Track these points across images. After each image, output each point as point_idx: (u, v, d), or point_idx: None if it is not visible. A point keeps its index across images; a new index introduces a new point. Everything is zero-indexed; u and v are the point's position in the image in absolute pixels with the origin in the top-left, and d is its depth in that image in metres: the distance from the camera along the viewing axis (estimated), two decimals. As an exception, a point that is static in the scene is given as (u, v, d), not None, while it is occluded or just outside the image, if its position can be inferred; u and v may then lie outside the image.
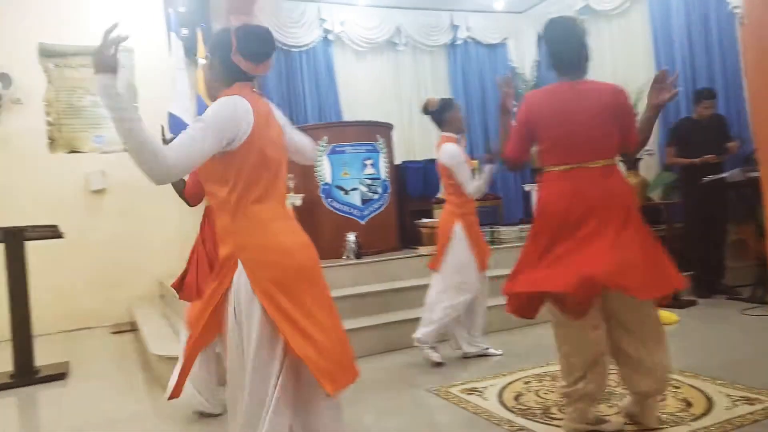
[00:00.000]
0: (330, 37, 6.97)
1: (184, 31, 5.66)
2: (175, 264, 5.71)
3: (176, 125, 5.43)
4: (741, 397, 2.56)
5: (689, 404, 2.52)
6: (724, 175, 4.49)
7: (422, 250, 5.11)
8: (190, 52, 5.75)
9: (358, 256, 4.86)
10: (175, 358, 3.46)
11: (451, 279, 3.41)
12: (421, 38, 7.45)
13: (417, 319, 4.02)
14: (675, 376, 2.85)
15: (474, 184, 3.38)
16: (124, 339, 5.05)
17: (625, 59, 6.76)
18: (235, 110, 1.61)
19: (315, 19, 6.86)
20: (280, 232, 1.68)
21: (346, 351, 1.73)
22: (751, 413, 2.38)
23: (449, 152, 3.42)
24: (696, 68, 5.88)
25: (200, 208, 3.17)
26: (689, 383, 2.79)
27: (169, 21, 5.69)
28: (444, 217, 3.54)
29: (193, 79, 5.69)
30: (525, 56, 7.94)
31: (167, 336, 4.12)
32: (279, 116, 1.84)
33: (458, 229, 3.42)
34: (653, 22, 6.31)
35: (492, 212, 7.37)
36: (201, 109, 5.58)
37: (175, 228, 5.88)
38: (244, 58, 1.69)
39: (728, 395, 2.59)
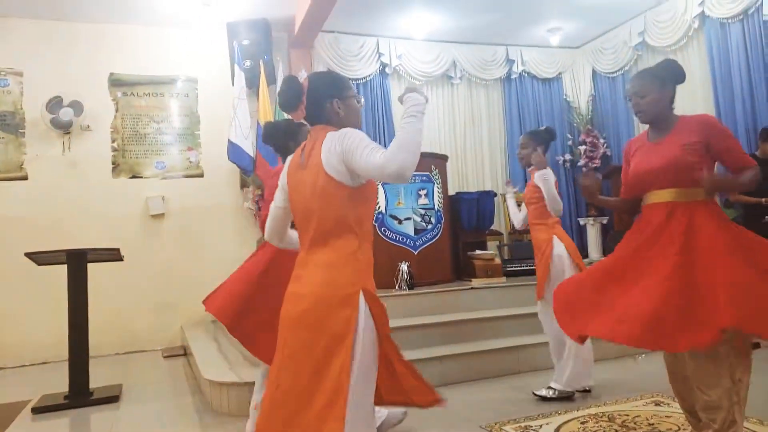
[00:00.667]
0: (387, 70, 7.08)
1: (247, 63, 5.84)
2: None
3: (235, 153, 5.56)
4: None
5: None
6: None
7: (475, 282, 5.00)
8: (252, 82, 5.92)
9: (410, 286, 4.79)
10: (226, 384, 3.44)
11: None
12: (476, 72, 7.49)
13: (471, 354, 3.92)
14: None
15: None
16: (175, 363, 5.07)
17: (682, 94, 6.57)
18: (282, 170, 1.86)
19: (373, 53, 6.99)
20: (291, 280, 1.72)
21: (272, 414, 1.58)
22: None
23: None
24: (756, 104, 5.72)
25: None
26: (753, 429, 2.63)
27: (233, 53, 5.89)
28: None
29: (254, 109, 5.84)
30: (580, 91, 7.90)
31: (218, 362, 4.11)
32: (329, 150, 1.65)
33: None
34: (711, 59, 6.19)
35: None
36: (260, 137, 5.70)
37: (232, 254, 5.95)
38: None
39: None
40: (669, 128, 2.15)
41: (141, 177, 6.06)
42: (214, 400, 3.54)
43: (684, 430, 2.22)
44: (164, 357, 5.36)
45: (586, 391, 3.36)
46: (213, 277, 5.95)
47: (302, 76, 1.80)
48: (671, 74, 2.19)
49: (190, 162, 6.23)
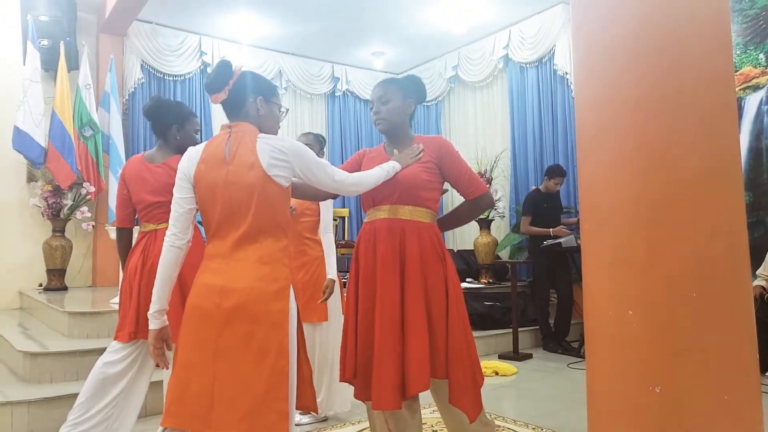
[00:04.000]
0: (209, 70, 6.83)
1: (44, 42, 5.25)
2: (6, 297, 5.49)
3: (22, 141, 4.97)
4: (561, 445, 2.78)
5: (517, 452, 2.70)
6: (560, 240, 4.98)
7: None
8: (49, 65, 5.35)
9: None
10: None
11: None
12: (302, 84, 7.58)
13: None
14: (509, 425, 3.05)
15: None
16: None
17: (485, 127, 7.37)
18: (182, 163, 1.80)
19: (195, 51, 6.72)
20: (205, 270, 1.73)
21: (213, 403, 1.60)
22: (569, 460, 2.59)
23: None
24: (544, 143, 6.56)
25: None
26: (519, 431, 2.99)
27: (26, 28, 5.25)
28: None
29: (50, 95, 5.28)
30: (399, 114, 8.36)
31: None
32: (272, 157, 1.70)
33: None
34: (510, 98, 6.97)
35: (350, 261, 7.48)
36: (55, 127, 5.16)
37: (16, 257, 5.57)
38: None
39: (551, 443, 2.80)
40: (406, 144, 2.12)
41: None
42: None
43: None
44: None
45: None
46: (18, 264, 5.35)
47: (237, 66, 1.79)
48: (415, 89, 2.18)
49: (-37, 149, 5.40)
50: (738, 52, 4.79)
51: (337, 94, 7.90)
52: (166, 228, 1.81)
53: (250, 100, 1.78)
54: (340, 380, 2.09)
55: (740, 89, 4.77)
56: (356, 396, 2.01)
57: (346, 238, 7.05)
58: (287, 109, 1.95)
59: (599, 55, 1.56)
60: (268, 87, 1.84)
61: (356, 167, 2.19)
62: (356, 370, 2.00)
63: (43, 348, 3.47)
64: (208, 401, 1.60)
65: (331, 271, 3.10)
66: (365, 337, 1.98)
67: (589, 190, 1.62)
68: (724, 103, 1.48)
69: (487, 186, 2.18)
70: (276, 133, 1.83)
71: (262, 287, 1.65)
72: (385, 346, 1.91)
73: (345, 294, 3.28)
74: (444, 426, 2.95)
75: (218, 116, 6.75)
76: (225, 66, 1.77)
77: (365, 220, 2.13)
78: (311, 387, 1.82)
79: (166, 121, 2.54)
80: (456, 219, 2.24)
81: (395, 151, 2.12)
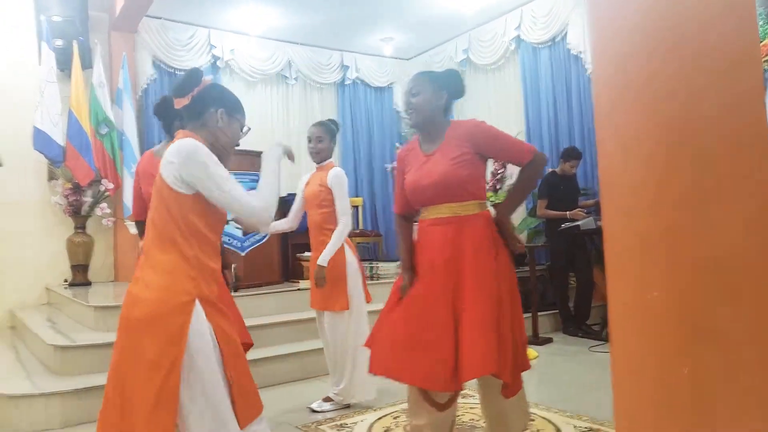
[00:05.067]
0: (219, 63, 6.86)
1: (58, 42, 5.30)
2: (34, 293, 5.50)
3: (42, 141, 5.05)
4: (586, 428, 2.80)
5: (541, 435, 2.72)
6: (578, 223, 4.94)
7: (303, 284, 5.08)
8: (64, 64, 5.40)
9: (235, 288, 4.73)
10: (19, 397, 3.12)
11: None
12: (311, 74, 7.57)
13: (286, 356, 3.99)
14: (531, 410, 3.04)
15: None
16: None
17: (499, 111, 7.30)
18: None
19: (204, 45, 6.73)
20: (132, 280, 1.68)
21: (123, 411, 1.57)
22: (593, 443, 2.61)
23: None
24: (559, 125, 6.48)
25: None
26: (542, 415, 3.01)
27: (40, 29, 5.30)
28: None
29: (66, 94, 5.34)
30: (411, 100, 8.32)
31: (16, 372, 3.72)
32: (167, 159, 1.64)
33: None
34: (523, 80, 6.89)
35: (373, 248, 7.52)
36: (72, 126, 5.23)
37: (38, 255, 5.62)
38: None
39: (575, 426, 2.83)
40: (440, 137, 2.09)
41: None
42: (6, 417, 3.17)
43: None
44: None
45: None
46: (16, 282, 5.45)
47: (209, 77, 1.78)
48: (449, 83, 2.13)
49: (-14, 149, 5.49)
50: (761, 23, 4.68)
51: (347, 82, 7.88)
52: None
53: (210, 110, 1.73)
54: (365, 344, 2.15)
55: (765, 61, 4.67)
56: (373, 369, 2.06)
57: (361, 227, 7.07)
58: (249, 128, 1.90)
59: (611, 39, 1.55)
60: (233, 102, 1.80)
61: (402, 176, 2.19)
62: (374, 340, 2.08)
63: (71, 341, 3.58)
64: (120, 409, 1.58)
65: (323, 258, 3.10)
66: (414, 321, 2.00)
67: (608, 171, 1.60)
68: (750, 77, 1.46)
69: (533, 146, 2.15)
70: (232, 149, 1.80)
71: (163, 299, 1.57)
72: (441, 333, 1.95)
73: (365, 282, 3.35)
74: (465, 411, 3.02)
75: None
76: (195, 73, 1.75)
77: (419, 217, 2.18)
78: (256, 397, 1.74)
79: (173, 118, 2.57)
80: (520, 192, 2.20)
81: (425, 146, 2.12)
